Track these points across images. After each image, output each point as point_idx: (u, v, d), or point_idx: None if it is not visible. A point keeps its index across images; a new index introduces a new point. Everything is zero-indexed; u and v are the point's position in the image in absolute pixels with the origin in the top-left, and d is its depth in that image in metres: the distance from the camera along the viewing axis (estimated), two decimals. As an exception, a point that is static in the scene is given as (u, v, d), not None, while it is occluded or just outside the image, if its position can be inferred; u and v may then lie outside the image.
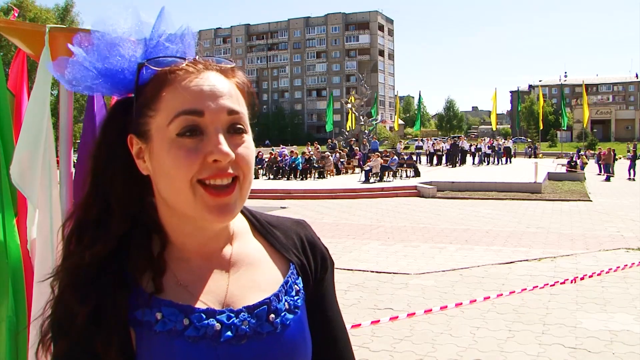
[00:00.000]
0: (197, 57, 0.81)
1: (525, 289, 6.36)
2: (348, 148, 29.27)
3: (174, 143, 0.75)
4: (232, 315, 0.81)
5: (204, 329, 0.79)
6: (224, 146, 0.74)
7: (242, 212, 0.93)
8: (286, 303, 0.86)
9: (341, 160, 25.51)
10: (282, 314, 0.85)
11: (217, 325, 0.79)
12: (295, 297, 0.89)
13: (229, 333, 0.80)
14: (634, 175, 24.16)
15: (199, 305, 0.80)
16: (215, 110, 0.76)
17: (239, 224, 0.91)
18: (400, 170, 22.35)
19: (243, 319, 0.82)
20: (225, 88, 0.78)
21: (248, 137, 0.80)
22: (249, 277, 0.87)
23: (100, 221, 0.80)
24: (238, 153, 0.77)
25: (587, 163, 26.61)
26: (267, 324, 0.83)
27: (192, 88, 0.76)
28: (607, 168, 25.15)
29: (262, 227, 0.93)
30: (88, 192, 0.82)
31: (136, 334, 0.77)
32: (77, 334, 0.75)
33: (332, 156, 24.94)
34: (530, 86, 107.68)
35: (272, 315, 0.84)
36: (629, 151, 29.08)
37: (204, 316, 0.79)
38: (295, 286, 0.90)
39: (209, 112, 0.75)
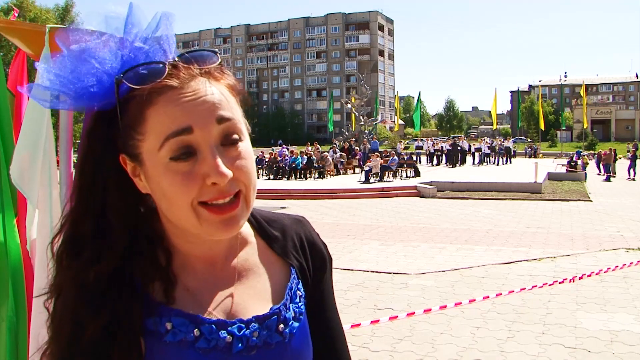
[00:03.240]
0: (176, 59, 0.75)
1: (524, 289, 6.36)
2: (348, 148, 29.24)
3: (168, 168, 0.71)
4: (243, 326, 0.80)
5: (215, 341, 0.77)
6: (222, 167, 0.70)
7: None
8: (293, 311, 0.86)
9: (341, 160, 25.50)
10: (290, 323, 0.85)
11: (229, 338, 0.78)
12: (299, 304, 0.88)
13: (240, 345, 0.79)
14: (634, 175, 24.15)
15: (207, 315, 0.79)
16: (204, 122, 0.71)
17: (244, 229, 0.89)
18: (400, 170, 22.35)
19: (253, 330, 0.81)
20: (212, 96, 0.73)
21: (244, 145, 0.75)
22: (253, 285, 0.86)
23: (97, 236, 0.76)
24: (236, 167, 0.73)
25: (588, 163, 26.59)
26: (276, 335, 0.82)
27: (177, 106, 0.71)
28: (607, 168, 25.14)
29: (262, 229, 0.92)
30: (76, 206, 0.77)
31: (146, 344, 0.76)
32: (90, 349, 0.73)
33: (329, 154, 24.88)
34: (530, 86, 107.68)
35: (282, 326, 0.83)
36: (628, 151, 29.06)
37: (215, 327, 0.78)
38: (298, 292, 0.89)
39: (197, 126, 0.71)
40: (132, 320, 0.74)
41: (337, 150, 26.67)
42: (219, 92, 0.74)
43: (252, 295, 0.85)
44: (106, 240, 0.76)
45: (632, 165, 24.65)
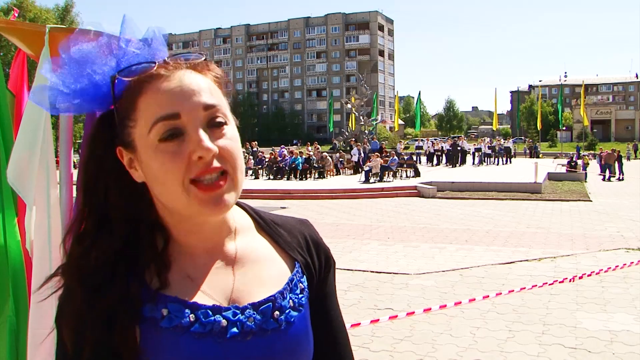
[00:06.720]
0: (167, 59, 0.81)
1: (524, 289, 6.36)
2: (349, 148, 29.22)
3: (157, 149, 0.76)
4: (238, 311, 0.82)
5: (210, 325, 0.79)
6: (206, 142, 0.75)
7: (246, 210, 0.94)
8: (290, 301, 0.87)
9: (341, 160, 25.49)
10: (287, 311, 0.86)
11: (224, 322, 0.80)
12: (300, 295, 0.89)
13: (234, 329, 0.80)
14: (621, 175, 24.14)
15: (206, 300, 0.81)
16: (191, 109, 0.76)
17: (243, 221, 0.91)
18: (400, 171, 22.34)
19: (249, 316, 0.82)
20: (197, 85, 0.78)
21: (229, 128, 0.80)
22: (255, 274, 0.87)
23: (98, 228, 0.80)
24: (220, 146, 0.77)
25: (588, 163, 26.55)
26: (271, 321, 0.84)
27: (165, 92, 0.77)
28: (606, 168, 25.11)
29: (267, 225, 0.94)
30: (81, 207, 0.82)
31: (141, 331, 0.77)
32: (90, 335, 0.75)
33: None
34: (530, 86, 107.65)
35: (277, 312, 0.84)
36: (628, 151, 29.07)
37: (210, 313, 0.80)
38: (300, 284, 0.91)
39: (184, 112, 0.76)
40: (130, 309, 0.77)
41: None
42: (203, 81, 0.80)
43: (252, 284, 0.86)
44: (108, 230, 0.80)
45: (620, 165, 24.67)
